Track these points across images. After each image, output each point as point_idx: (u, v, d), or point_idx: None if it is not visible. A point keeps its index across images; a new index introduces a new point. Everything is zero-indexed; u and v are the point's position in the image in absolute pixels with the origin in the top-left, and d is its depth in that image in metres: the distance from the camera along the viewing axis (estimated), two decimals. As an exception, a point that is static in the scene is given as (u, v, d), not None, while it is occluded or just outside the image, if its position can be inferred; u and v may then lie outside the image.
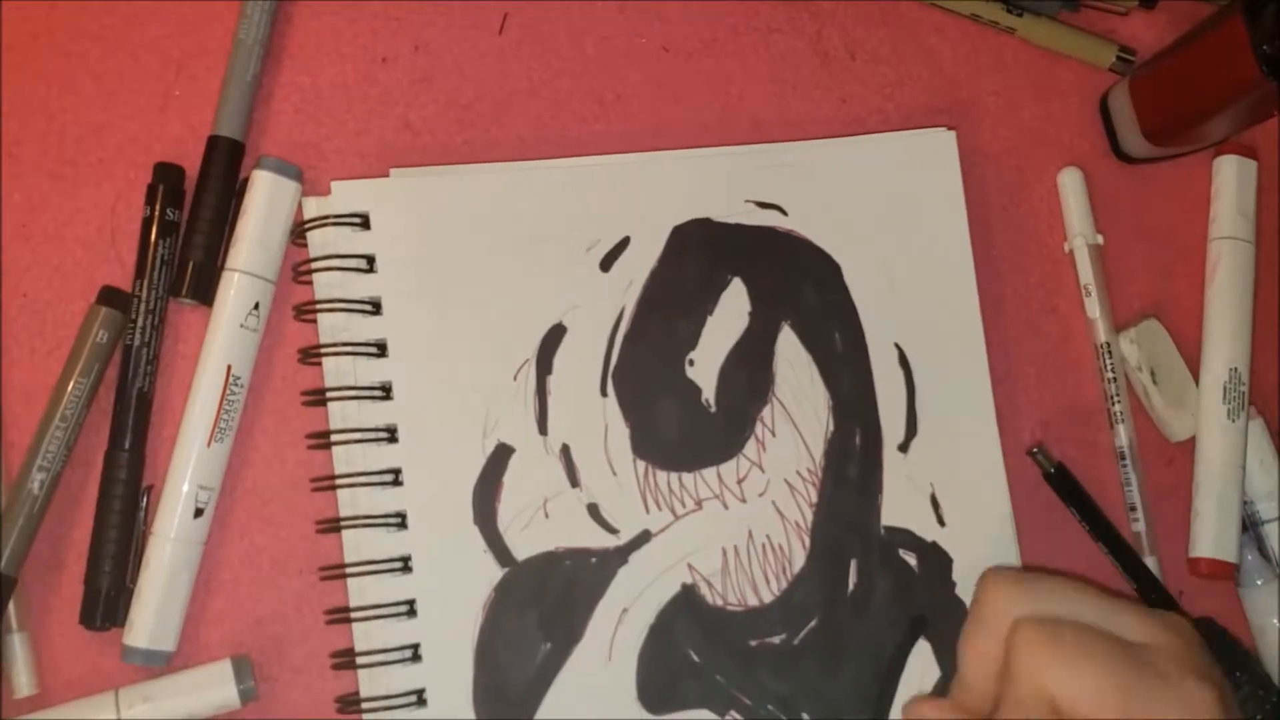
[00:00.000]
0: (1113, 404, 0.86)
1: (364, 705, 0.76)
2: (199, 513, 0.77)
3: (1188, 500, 0.86)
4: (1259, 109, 0.85)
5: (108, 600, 0.76)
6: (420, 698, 0.77)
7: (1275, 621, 0.85)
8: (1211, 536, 0.84)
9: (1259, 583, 0.86)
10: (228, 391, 0.77)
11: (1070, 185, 0.88)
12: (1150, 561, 0.85)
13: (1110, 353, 0.86)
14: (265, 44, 0.82)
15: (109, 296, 0.79)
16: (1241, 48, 0.78)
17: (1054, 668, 0.63)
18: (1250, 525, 0.87)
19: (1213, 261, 0.88)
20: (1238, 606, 0.87)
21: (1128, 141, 0.88)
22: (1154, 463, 0.87)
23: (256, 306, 0.79)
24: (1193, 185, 0.90)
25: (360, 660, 0.77)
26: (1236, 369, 0.86)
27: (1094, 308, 0.87)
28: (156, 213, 0.80)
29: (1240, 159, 0.89)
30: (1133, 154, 0.89)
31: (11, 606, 0.76)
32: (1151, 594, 0.84)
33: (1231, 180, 0.89)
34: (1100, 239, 0.88)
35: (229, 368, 0.78)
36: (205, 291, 0.79)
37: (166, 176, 0.80)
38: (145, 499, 0.78)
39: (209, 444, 0.77)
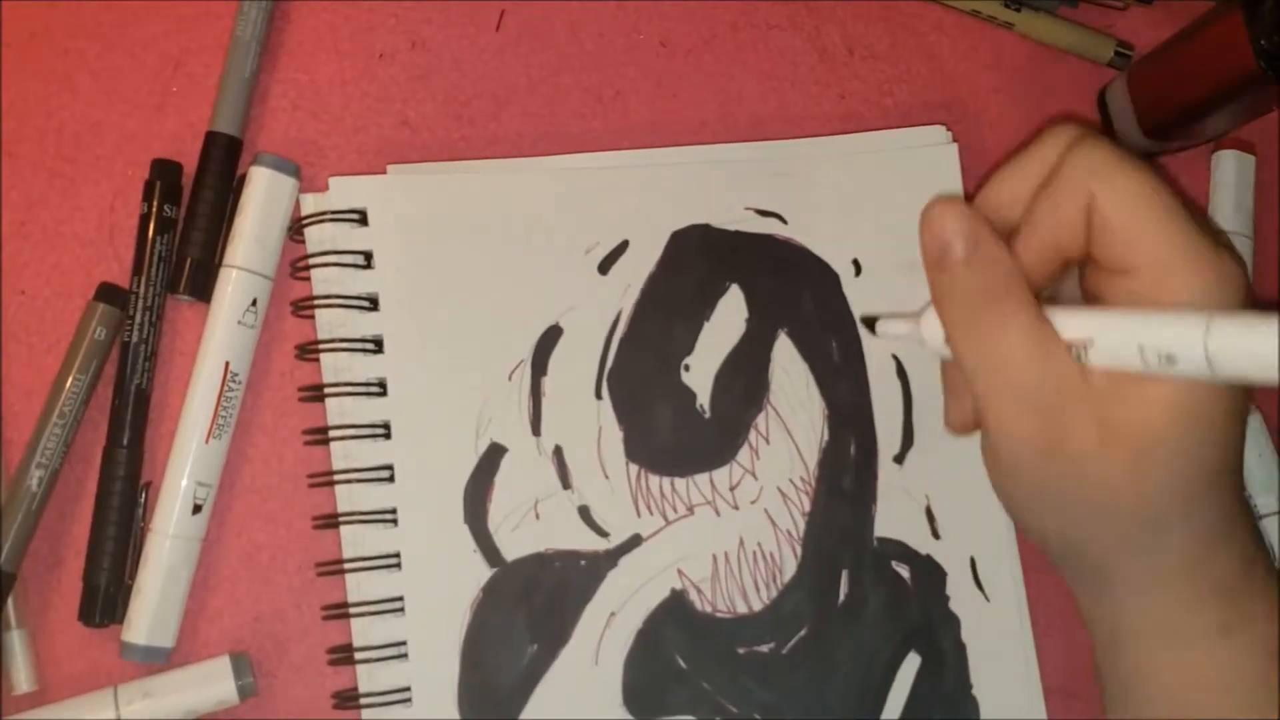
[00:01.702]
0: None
1: (363, 701, 0.77)
2: (197, 509, 0.77)
3: (1185, 495, 0.86)
4: (1257, 104, 0.84)
5: (106, 597, 0.77)
6: (408, 695, 0.77)
7: (1272, 615, 0.85)
8: (1209, 531, 0.84)
9: (1256, 576, 0.86)
10: (225, 388, 0.78)
11: (1067, 179, 0.88)
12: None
13: (1109, 346, 0.86)
14: (262, 41, 0.83)
15: (107, 293, 0.79)
16: (1240, 43, 0.78)
17: (1106, 172, 0.60)
18: (1248, 519, 0.87)
19: (1211, 257, 0.88)
20: (1234, 600, 0.86)
21: (1126, 136, 0.88)
22: (1151, 457, 0.88)
23: (254, 303, 0.79)
24: (1191, 180, 0.90)
25: (359, 656, 0.77)
26: (1235, 364, 0.86)
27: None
28: (154, 209, 0.80)
29: (1238, 154, 0.89)
30: (1131, 149, 0.88)
31: (10, 603, 0.76)
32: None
33: (1229, 175, 0.89)
34: (1098, 233, 0.88)
35: (227, 364, 0.78)
36: (203, 288, 0.80)
37: (164, 173, 0.81)
38: (144, 496, 0.78)
39: (207, 440, 0.77)
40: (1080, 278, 0.66)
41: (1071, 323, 0.61)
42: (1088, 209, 0.61)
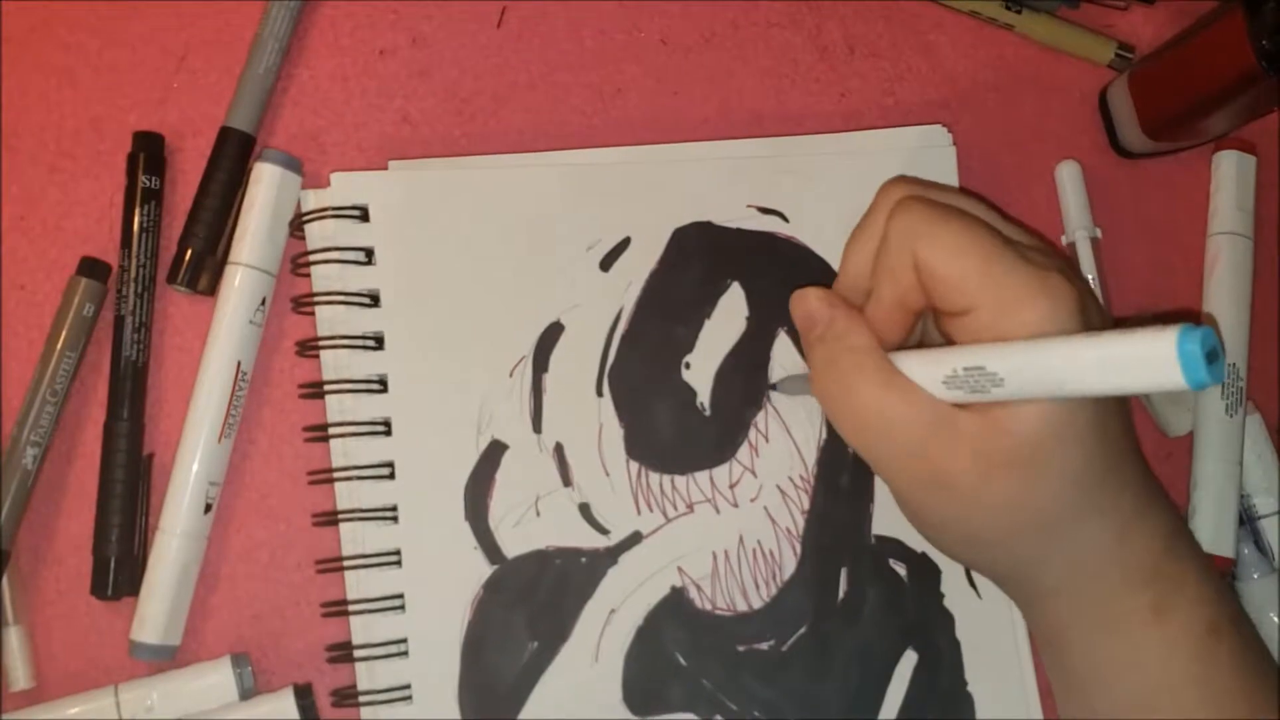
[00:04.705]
0: (1111, 397, 0.87)
1: (362, 698, 0.77)
2: (208, 508, 0.77)
3: (1185, 495, 0.86)
4: (1258, 104, 0.84)
5: (118, 569, 0.77)
6: (408, 693, 0.77)
7: (1272, 616, 0.85)
8: (1209, 531, 0.84)
9: (1255, 577, 0.86)
10: (237, 387, 0.78)
11: (1067, 178, 0.88)
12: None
13: (1109, 345, 0.86)
14: (285, 41, 0.83)
15: (89, 268, 0.79)
16: (1241, 42, 0.78)
17: (922, 231, 0.63)
18: (1247, 520, 0.87)
19: (1211, 257, 0.88)
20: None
21: (1127, 137, 0.88)
22: (1151, 457, 0.86)
23: (264, 302, 0.79)
24: (1192, 180, 0.90)
25: (358, 653, 0.77)
26: (1234, 364, 0.86)
27: (1093, 299, 0.87)
28: (138, 180, 0.80)
29: (1239, 154, 0.89)
30: (1132, 149, 0.89)
31: (8, 600, 0.76)
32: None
33: (1230, 175, 0.89)
34: (1098, 232, 0.87)
35: (238, 364, 0.78)
36: (198, 280, 0.79)
37: (146, 144, 0.81)
38: (147, 467, 0.79)
39: (219, 440, 0.77)
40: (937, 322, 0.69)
41: (938, 364, 0.63)
42: (916, 268, 0.64)
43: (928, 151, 0.86)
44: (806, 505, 0.82)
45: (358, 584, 0.78)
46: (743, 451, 0.82)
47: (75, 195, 0.81)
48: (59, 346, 0.78)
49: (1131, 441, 0.65)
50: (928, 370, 0.63)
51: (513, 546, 0.79)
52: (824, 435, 0.83)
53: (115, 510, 0.77)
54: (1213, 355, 0.49)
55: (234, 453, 0.79)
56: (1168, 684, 0.66)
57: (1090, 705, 0.69)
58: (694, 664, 0.79)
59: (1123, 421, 0.64)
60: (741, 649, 0.80)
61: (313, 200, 0.80)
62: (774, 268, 0.83)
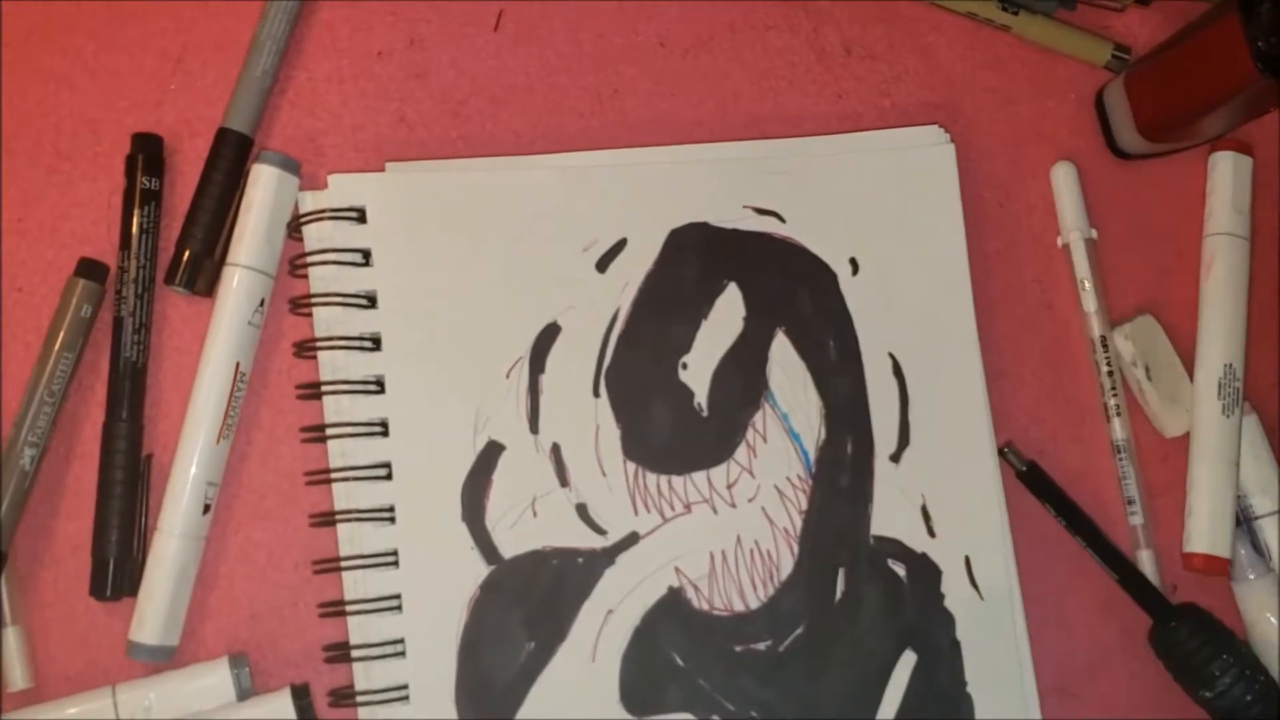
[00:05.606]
0: (1108, 398, 0.86)
1: (359, 698, 0.77)
2: (207, 509, 0.77)
3: (1182, 496, 0.86)
4: (1255, 105, 0.84)
5: (116, 570, 0.77)
6: (406, 693, 0.77)
7: (1269, 616, 0.85)
8: (1206, 532, 0.84)
9: (1252, 577, 0.85)
10: (235, 388, 0.78)
11: (1063, 179, 0.88)
12: (1147, 555, 0.85)
13: (1105, 346, 0.86)
14: (283, 43, 0.83)
15: (87, 269, 0.79)
16: (1237, 44, 0.78)
17: None
18: (1244, 520, 0.87)
19: (1208, 257, 0.88)
20: (1232, 601, 0.86)
21: (1123, 138, 0.88)
22: (1149, 458, 0.87)
23: (262, 303, 0.79)
24: (1188, 181, 0.90)
25: (355, 654, 0.77)
26: (1231, 365, 0.86)
27: (1089, 301, 0.87)
28: (137, 182, 0.80)
29: (1236, 155, 0.89)
30: (1128, 150, 0.89)
31: (6, 601, 0.76)
32: (1137, 588, 0.84)
33: (1227, 176, 0.89)
34: (1094, 233, 0.88)
35: (237, 365, 0.78)
36: (196, 281, 0.80)
37: (145, 146, 0.81)
38: (147, 467, 0.79)
39: (217, 441, 0.77)
40: None
41: None
42: None
43: (925, 152, 0.86)
44: (804, 505, 0.82)
45: (355, 584, 0.78)
46: (740, 452, 0.82)
47: (73, 197, 0.81)
48: (57, 347, 0.78)
49: None
50: None
51: (510, 547, 0.79)
52: (822, 435, 0.82)
53: (114, 511, 0.77)
54: None
55: (232, 453, 0.79)
56: None
57: None
58: (691, 664, 0.79)
59: None
60: (739, 649, 0.80)
61: (310, 202, 0.81)
62: (770, 267, 0.83)
